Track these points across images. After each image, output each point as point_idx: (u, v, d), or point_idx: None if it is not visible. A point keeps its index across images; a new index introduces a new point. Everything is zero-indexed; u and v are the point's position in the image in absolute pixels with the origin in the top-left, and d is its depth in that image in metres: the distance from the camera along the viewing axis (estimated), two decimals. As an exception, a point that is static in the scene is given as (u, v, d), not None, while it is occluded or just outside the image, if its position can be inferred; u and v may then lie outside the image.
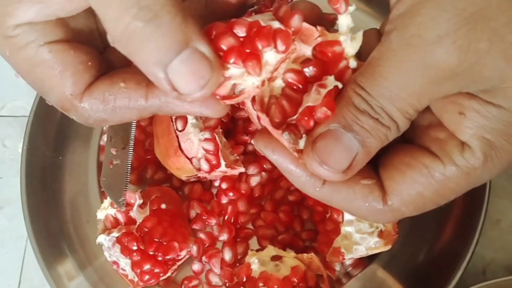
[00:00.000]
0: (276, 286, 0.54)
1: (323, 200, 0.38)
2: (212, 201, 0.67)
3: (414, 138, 0.38)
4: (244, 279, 0.56)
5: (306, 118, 0.34)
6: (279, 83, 0.36)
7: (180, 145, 0.61)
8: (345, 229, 0.58)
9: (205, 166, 0.61)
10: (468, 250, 0.62)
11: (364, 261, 0.64)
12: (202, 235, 0.65)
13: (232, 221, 0.66)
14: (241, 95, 0.36)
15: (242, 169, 0.65)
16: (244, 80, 0.35)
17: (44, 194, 0.68)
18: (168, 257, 0.59)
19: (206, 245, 0.65)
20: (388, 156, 0.37)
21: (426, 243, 0.64)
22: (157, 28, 0.31)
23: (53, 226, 0.67)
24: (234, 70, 0.35)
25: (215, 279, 0.64)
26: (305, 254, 0.57)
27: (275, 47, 0.34)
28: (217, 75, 0.34)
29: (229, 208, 0.66)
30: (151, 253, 0.59)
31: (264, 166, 0.67)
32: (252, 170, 0.67)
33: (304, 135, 0.35)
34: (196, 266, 0.64)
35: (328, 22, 0.39)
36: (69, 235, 0.68)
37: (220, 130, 0.63)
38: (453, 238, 0.64)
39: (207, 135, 0.60)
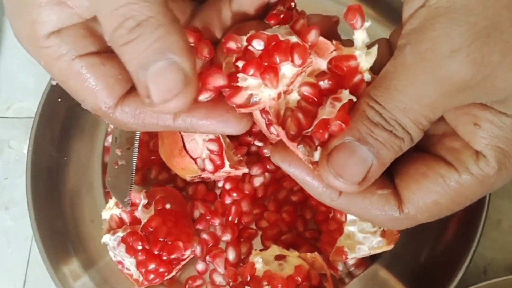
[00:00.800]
0: (280, 285, 0.55)
1: (340, 209, 0.39)
2: (216, 201, 0.68)
3: (428, 147, 0.38)
4: (248, 278, 0.56)
5: (321, 131, 0.35)
6: (294, 96, 0.37)
7: (185, 146, 0.61)
8: (348, 228, 0.59)
9: (209, 166, 0.62)
10: (469, 250, 0.62)
11: (367, 261, 0.64)
12: (205, 235, 0.66)
13: (235, 221, 0.66)
14: (256, 105, 0.37)
15: (246, 170, 0.65)
16: (261, 92, 0.36)
17: (49, 194, 0.69)
18: (172, 256, 0.60)
19: (209, 245, 0.65)
20: (403, 166, 0.38)
21: (427, 243, 0.65)
22: (138, 37, 0.33)
23: (58, 226, 0.68)
24: (252, 81, 0.36)
25: (219, 279, 0.64)
26: (308, 254, 0.57)
27: (292, 61, 0.35)
28: (191, 90, 0.34)
29: (233, 209, 0.66)
30: (156, 252, 0.60)
31: (268, 166, 0.68)
32: (255, 170, 0.67)
33: (319, 148, 0.36)
34: (200, 266, 0.65)
35: (337, 32, 0.40)
36: (74, 235, 0.68)
37: (225, 140, 0.64)
38: (454, 238, 0.64)
39: (211, 135, 0.61)
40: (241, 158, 0.65)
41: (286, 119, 0.36)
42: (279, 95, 0.37)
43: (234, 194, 0.67)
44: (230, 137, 0.66)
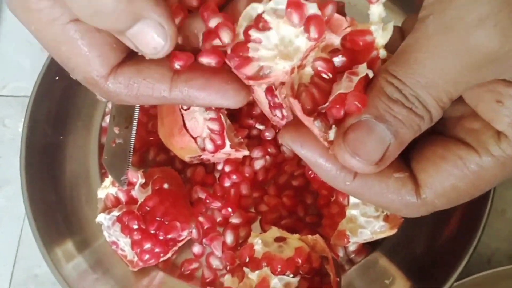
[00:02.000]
0: (279, 266, 0.53)
1: (354, 194, 0.37)
2: (215, 184, 0.66)
3: (445, 130, 0.37)
4: (247, 260, 0.55)
5: (337, 106, 0.33)
6: (308, 70, 0.36)
7: (185, 124, 0.60)
8: (351, 212, 0.57)
9: (209, 146, 0.60)
10: (473, 240, 0.60)
11: (367, 248, 0.63)
12: (202, 218, 0.64)
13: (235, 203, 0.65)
14: (267, 78, 0.35)
15: (246, 152, 0.64)
16: (275, 63, 0.35)
17: (43, 173, 0.67)
18: (169, 236, 0.58)
19: (206, 227, 0.64)
20: (420, 149, 0.36)
21: (430, 232, 0.63)
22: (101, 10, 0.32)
23: (51, 206, 0.66)
24: (265, 52, 0.35)
25: (215, 262, 0.63)
26: (309, 236, 0.56)
27: (308, 32, 0.34)
28: (172, 36, 0.34)
29: (232, 191, 0.65)
30: (152, 231, 0.58)
31: (269, 150, 0.66)
32: (256, 153, 0.66)
33: (333, 126, 0.34)
34: (196, 249, 0.63)
35: (345, 14, 0.38)
36: (68, 215, 0.66)
37: (225, 113, 0.62)
38: (458, 228, 0.63)
39: (212, 114, 0.59)
40: (242, 140, 0.64)
41: (300, 93, 0.35)
42: (292, 69, 0.35)
43: (234, 177, 0.65)
44: (231, 119, 0.65)
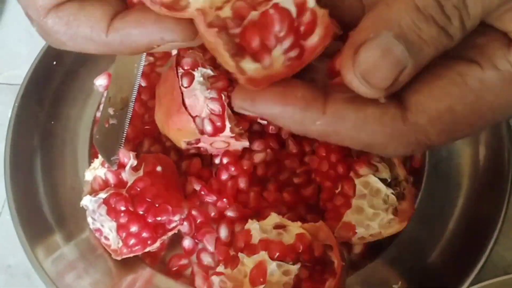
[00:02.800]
0: (278, 253, 0.48)
1: (328, 134, 0.31)
2: (211, 178, 0.62)
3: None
4: (242, 245, 0.50)
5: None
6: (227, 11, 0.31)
7: (184, 102, 0.56)
8: (357, 202, 0.53)
9: (208, 127, 0.56)
10: (484, 251, 0.56)
11: (369, 255, 0.58)
12: (195, 212, 0.59)
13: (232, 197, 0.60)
14: (184, 10, 0.31)
15: (247, 143, 0.60)
16: None
17: (29, 157, 0.63)
18: (159, 218, 0.53)
19: (199, 221, 0.59)
20: None
21: (438, 241, 0.58)
22: None
23: (34, 193, 0.62)
24: None
25: (207, 259, 0.57)
26: (312, 223, 0.50)
27: None
28: None
29: (229, 184, 0.60)
30: (140, 212, 0.53)
31: (271, 144, 0.62)
32: (257, 145, 0.62)
33: (249, 57, 0.30)
34: (187, 242, 0.58)
35: None
36: (52, 204, 0.62)
37: (227, 101, 0.59)
38: (469, 238, 0.58)
39: (213, 94, 0.56)
40: (243, 131, 0.60)
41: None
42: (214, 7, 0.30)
43: (232, 169, 0.61)
44: (233, 111, 0.61)
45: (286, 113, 0.30)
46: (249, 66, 0.30)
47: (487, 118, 0.30)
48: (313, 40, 0.30)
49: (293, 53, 0.30)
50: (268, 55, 0.30)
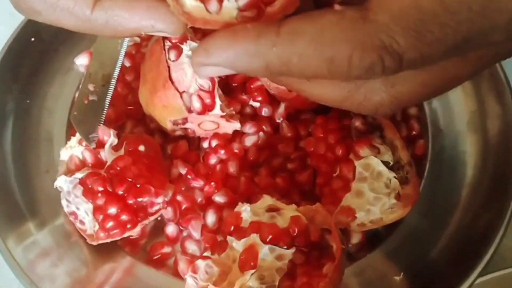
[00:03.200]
0: (271, 236, 0.43)
1: (287, 60, 0.30)
2: (198, 163, 0.57)
3: None
4: (232, 229, 0.45)
5: None
6: None
7: (171, 76, 0.52)
8: (357, 186, 0.49)
9: (197, 104, 0.52)
10: (491, 244, 0.52)
11: (367, 246, 0.53)
12: (181, 197, 0.54)
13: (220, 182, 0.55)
14: None
15: (238, 125, 0.56)
16: None
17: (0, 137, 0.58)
18: (140, 199, 0.48)
19: (184, 207, 0.54)
20: None
21: (440, 235, 0.54)
22: None
23: (4, 176, 0.57)
24: None
25: (192, 247, 0.53)
26: (308, 206, 0.46)
27: None
28: None
29: (218, 167, 0.56)
30: (120, 193, 0.48)
31: (264, 127, 0.58)
32: (248, 128, 0.58)
33: None
34: (170, 228, 0.53)
35: None
36: (24, 188, 0.56)
37: (217, 79, 0.54)
38: (474, 232, 0.54)
39: (203, 68, 0.52)
40: (234, 112, 0.56)
41: None
42: None
43: (221, 152, 0.56)
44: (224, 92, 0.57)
45: (240, 49, 0.30)
46: (189, 1, 0.30)
47: (460, 16, 0.27)
48: (274, 7, 0.31)
49: (249, 13, 0.30)
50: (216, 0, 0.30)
